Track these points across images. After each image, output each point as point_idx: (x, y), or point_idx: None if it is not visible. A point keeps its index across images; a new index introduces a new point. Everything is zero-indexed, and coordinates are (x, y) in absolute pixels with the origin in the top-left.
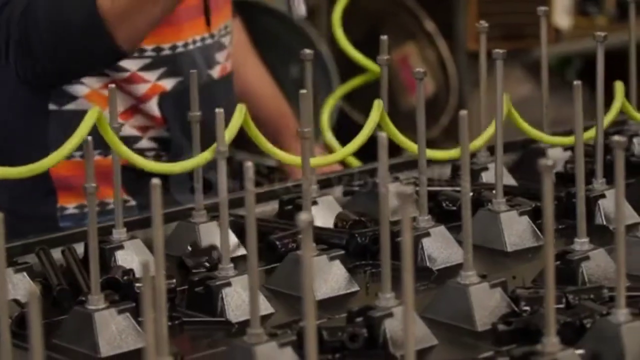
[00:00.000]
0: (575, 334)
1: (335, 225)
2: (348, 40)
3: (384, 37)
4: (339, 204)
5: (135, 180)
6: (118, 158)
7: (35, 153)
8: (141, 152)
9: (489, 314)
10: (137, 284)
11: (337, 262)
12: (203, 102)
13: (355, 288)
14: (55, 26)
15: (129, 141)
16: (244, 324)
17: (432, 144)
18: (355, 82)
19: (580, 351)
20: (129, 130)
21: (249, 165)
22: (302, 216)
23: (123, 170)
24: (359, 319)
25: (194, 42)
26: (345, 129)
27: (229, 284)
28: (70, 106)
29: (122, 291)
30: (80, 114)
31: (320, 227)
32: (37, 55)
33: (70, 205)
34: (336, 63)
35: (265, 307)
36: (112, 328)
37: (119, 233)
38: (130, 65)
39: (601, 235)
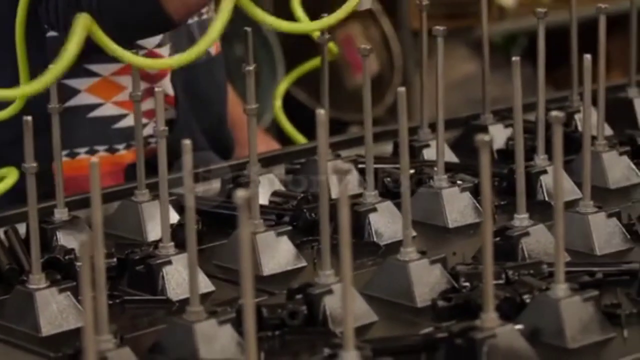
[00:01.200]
0: (515, 309)
1: (271, 202)
2: (292, 19)
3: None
4: (281, 182)
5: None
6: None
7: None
8: (146, 138)
9: (429, 290)
10: (78, 263)
11: (285, 238)
12: (205, 78)
13: (303, 264)
14: None
15: (133, 131)
16: (185, 302)
17: (377, 122)
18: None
19: (519, 326)
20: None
21: (187, 143)
22: (239, 193)
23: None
24: (299, 296)
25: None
26: (290, 109)
27: (169, 262)
28: (71, 102)
29: (64, 270)
30: (85, 109)
31: (267, 205)
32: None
33: None
34: (280, 43)
35: (206, 284)
36: (53, 307)
37: (61, 213)
38: (148, 43)
39: (542, 211)
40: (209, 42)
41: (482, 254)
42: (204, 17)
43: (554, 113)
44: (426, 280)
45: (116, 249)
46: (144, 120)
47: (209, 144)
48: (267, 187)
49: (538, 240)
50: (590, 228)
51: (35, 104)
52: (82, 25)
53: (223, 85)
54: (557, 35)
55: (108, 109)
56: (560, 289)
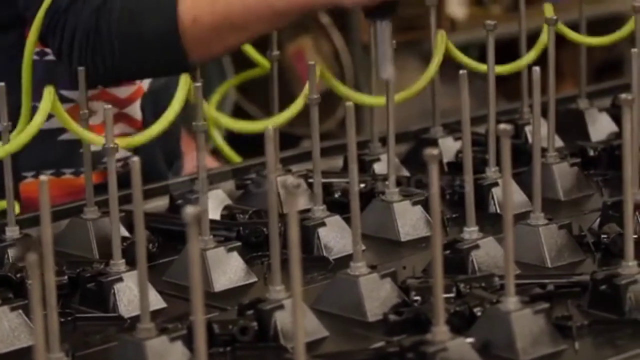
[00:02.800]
0: (466, 322)
1: (223, 217)
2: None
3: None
4: (230, 198)
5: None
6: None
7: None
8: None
9: (380, 305)
10: (29, 281)
11: (235, 254)
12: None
13: (254, 279)
14: (129, 29)
15: (101, 155)
16: (137, 319)
17: (328, 136)
18: (246, 75)
19: (470, 339)
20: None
21: (136, 160)
22: (188, 209)
23: (97, 188)
24: (250, 312)
25: None
26: None
27: (120, 280)
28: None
29: (15, 288)
30: (53, 132)
31: (217, 220)
32: (103, 47)
33: None
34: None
35: (157, 301)
36: (5, 325)
37: (12, 231)
38: None
39: (494, 224)
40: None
41: (432, 267)
42: None
43: (501, 126)
44: (377, 294)
45: (68, 267)
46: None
47: (166, 166)
48: (216, 203)
49: (488, 253)
50: (542, 240)
51: None
52: (49, 99)
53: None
54: (509, 46)
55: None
56: (511, 301)
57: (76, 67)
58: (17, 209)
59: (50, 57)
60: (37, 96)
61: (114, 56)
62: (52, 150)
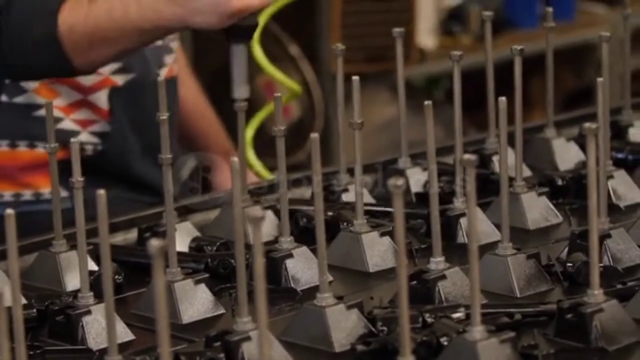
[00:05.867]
0: (433, 352)
1: (191, 249)
2: (208, 68)
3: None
4: (197, 229)
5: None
6: None
7: None
8: (81, 146)
9: (347, 335)
10: None
11: (202, 286)
12: (150, 98)
13: (221, 311)
14: (17, 34)
15: (67, 135)
16: (105, 352)
17: (298, 167)
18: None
19: None
20: (68, 124)
21: (102, 193)
22: (154, 242)
23: (62, 163)
24: (217, 344)
25: None
26: None
27: (88, 312)
28: (19, 99)
29: None
30: (30, 107)
31: (185, 252)
32: (2, 52)
33: (6, 193)
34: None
35: (125, 333)
36: None
37: None
38: (104, 70)
39: (462, 254)
40: None
41: (397, 297)
42: (158, 43)
43: (466, 156)
44: (343, 325)
45: (36, 300)
46: (77, 128)
47: (152, 160)
48: (184, 235)
49: (455, 283)
50: (510, 270)
51: None
52: None
53: (172, 106)
54: (479, 76)
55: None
56: (477, 331)
57: None
58: None
59: None
60: None
61: (6, 58)
62: (26, 123)
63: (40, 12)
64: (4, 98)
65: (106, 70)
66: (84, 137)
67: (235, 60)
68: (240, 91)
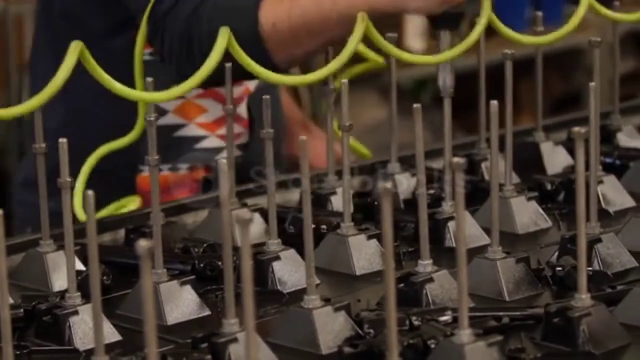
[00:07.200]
0: (420, 355)
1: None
2: None
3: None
4: (186, 231)
5: None
6: None
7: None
8: None
9: (334, 338)
10: None
11: (188, 287)
12: (274, 102)
13: (207, 312)
14: (215, 37)
15: (211, 152)
16: (92, 352)
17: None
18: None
19: None
20: (214, 140)
21: (90, 193)
22: (141, 243)
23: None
24: (204, 345)
25: None
26: None
27: (75, 313)
28: (159, 121)
29: None
30: (171, 128)
31: (172, 253)
32: (195, 56)
33: None
34: None
35: (112, 334)
36: None
37: None
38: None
39: (450, 258)
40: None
41: (385, 300)
42: None
43: (455, 159)
44: (330, 327)
45: (23, 300)
46: (223, 144)
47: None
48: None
49: (442, 286)
50: (499, 273)
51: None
52: (75, 51)
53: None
54: (468, 79)
55: (191, 130)
56: (464, 334)
57: (176, 71)
58: (138, 203)
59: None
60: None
61: (204, 55)
62: (168, 145)
63: (239, 10)
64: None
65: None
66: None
67: (441, 46)
68: (446, 79)
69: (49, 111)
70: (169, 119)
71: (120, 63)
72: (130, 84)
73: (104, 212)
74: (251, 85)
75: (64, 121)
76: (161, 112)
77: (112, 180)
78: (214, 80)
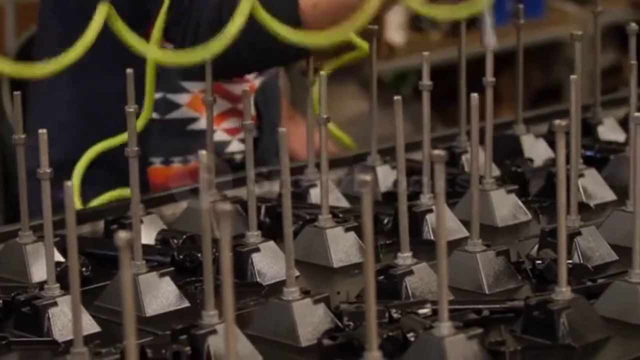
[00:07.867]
0: (399, 348)
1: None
2: None
3: None
4: (164, 222)
5: None
6: None
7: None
8: (231, 155)
9: (313, 330)
10: None
11: (167, 279)
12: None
13: (186, 304)
14: (251, 20)
15: (218, 146)
16: (71, 344)
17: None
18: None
19: None
20: (219, 134)
21: (69, 184)
22: (120, 234)
23: None
24: (183, 337)
25: None
26: None
27: (55, 304)
28: (172, 115)
29: None
30: (184, 122)
31: (151, 245)
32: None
33: None
34: None
35: (91, 325)
36: None
37: None
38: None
39: (429, 251)
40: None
41: (364, 292)
42: None
43: (435, 152)
44: (310, 319)
45: (2, 291)
46: (228, 137)
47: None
48: (151, 227)
49: (422, 279)
50: (479, 266)
51: None
52: (103, 14)
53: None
54: (448, 72)
55: (203, 124)
56: (444, 327)
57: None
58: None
59: None
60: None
61: (238, 49)
62: (180, 138)
63: None
64: (156, 116)
65: (251, 76)
66: (235, 145)
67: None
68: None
69: (57, 104)
70: (182, 113)
71: (133, 57)
72: (142, 79)
73: (106, 197)
74: (257, 82)
75: (72, 115)
76: (175, 106)
77: (121, 171)
78: (220, 73)
